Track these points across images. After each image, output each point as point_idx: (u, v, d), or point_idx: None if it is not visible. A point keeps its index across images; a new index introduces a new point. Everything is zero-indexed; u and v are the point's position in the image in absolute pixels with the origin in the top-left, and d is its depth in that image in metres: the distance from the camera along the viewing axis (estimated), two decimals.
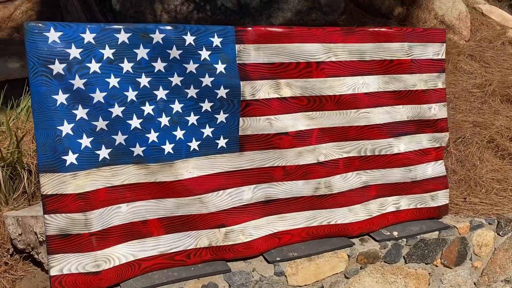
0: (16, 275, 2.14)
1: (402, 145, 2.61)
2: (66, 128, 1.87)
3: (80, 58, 1.85)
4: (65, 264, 1.94)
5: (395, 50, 2.50)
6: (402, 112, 2.60)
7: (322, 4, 5.42)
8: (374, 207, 2.60)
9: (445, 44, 2.67)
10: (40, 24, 1.78)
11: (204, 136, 2.15)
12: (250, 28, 2.18)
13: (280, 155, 2.31)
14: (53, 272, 1.93)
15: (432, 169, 2.72)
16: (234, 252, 2.24)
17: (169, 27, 2.00)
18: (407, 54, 2.53)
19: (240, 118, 2.20)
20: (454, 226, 2.74)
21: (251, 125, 2.22)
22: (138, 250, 2.08)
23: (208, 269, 2.18)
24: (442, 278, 2.78)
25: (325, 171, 2.42)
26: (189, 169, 2.12)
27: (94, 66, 1.88)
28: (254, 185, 2.30)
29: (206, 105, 2.13)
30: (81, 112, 1.89)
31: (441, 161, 2.76)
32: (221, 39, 2.11)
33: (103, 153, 1.96)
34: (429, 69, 2.63)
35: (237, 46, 2.15)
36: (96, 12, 4.39)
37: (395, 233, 2.60)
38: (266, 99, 2.23)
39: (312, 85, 2.33)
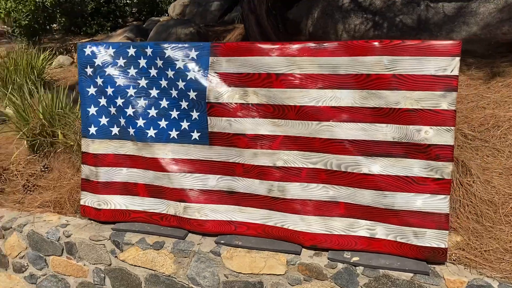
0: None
1: (376, 166, 2.40)
2: (93, 110, 2.88)
3: (101, 65, 2.82)
4: (87, 199, 2.97)
5: (372, 64, 2.35)
6: (385, 132, 2.39)
7: None
8: (339, 225, 2.50)
9: (457, 58, 2.26)
10: (83, 44, 2.86)
11: (182, 128, 2.75)
12: (223, 44, 2.63)
13: (240, 153, 2.64)
14: (81, 202, 3.00)
15: (424, 202, 2.34)
16: (190, 225, 2.74)
17: (157, 44, 2.71)
18: (387, 68, 2.33)
19: (208, 117, 2.67)
20: (442, 276, 2.28)
21: (216, 124, 2.66)
22: (129, 203, 2.89)
23: (169, 232, 2.77)
24: None
25: (280, 175, 2.56)
26: (166, 151, 2.77)
27: (109, 71, 2.81)
28: (219, 176, 2.72)
29: (184, 104, 2.72)
30: (103, 101, 2.86)
31: (443, 196, 2.32)
32: (198, 52, 2.66)
33: (115, 130, 2.87)
34: (426, 87, 2.30)
35: (211, 58, 2.64)
36: (270, 34, 5.29)
37: (356, 258, 2.42)
38: (228, 103, 2.61)
39: (274, 94, 2.53)
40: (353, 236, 2.49)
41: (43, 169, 3.76)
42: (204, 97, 2.65)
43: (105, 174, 2.90)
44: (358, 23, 5.56)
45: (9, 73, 5.85)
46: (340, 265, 2.42)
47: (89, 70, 2.85)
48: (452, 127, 2.29)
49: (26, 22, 8.57)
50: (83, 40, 10.49)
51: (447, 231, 2.33)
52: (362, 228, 2.48)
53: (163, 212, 2.83)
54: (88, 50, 2.84)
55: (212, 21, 9.25)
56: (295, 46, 2.48)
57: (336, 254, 2.47)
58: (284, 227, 2.59)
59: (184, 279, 2.69)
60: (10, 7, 8.45)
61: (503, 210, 2.66)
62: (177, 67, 2.68)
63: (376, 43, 2.35)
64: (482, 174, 2.95)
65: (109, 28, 10.69)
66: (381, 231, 2.44)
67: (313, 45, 2.46)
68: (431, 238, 2.33)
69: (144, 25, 9.39)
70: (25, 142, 3.98)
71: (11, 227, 2.99)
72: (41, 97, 4.00)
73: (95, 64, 2.83)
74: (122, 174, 2.90)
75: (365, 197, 2.44)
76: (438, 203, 2.33)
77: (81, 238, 2.84)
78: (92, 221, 2.97)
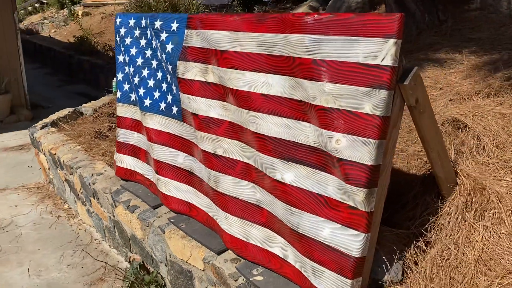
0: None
1: (290, 174, 1.89)
2: (120, 76, 3.17)
3: (124, 34, 3.04)
4: (116, 155, 3.33)
5: (295, 44, 1.82)
6: (308, 133, 1.85)
7: None
8: (257, 235, 2.12)
9: (392, 40, 1.53)
10: (116, 14, 3.13)
11: (167, 101, 2.76)
12: (196, 16, 2.46)
13: (195, 133, 2.48)
14: (114, 157, 3.38)
15: (332, 232, 1.74)
16: (160, 197, 2.77)
17: (152, 17, 2.74)
18: (308, 51, 1.76)
19: (179, 93, 2.59)
20: None
21: (183, 101, 2.56)
22: (135, 165, 3.12)
23: (149, 199, 2.89)
24: None
25: (218, 165, 2.30)
26: (155, 122, 2.84)
27: (128, 40, 3.02)
28: (186, 154, 2.64)
29: (169, 77, 2.71)
30: (127, 68, 3.11)
31: (355, 232, 1.67)
32: (178, 25, 2.57)
33: (133, 96, 3.10)
34: (350, 79, 1.65)
35: (186, 31, 2.52)
36: (409, 2, 4.45)
37: (259, 278, 2.03)
38: (190, 79, 2.46)
39: (220, 73, 2.26)
40: (268, 252, 2.08)
41: None
42: (175, 72, 2.58)
43: (123, 135, 3.19)
44: None
45: None
46: (241, 280, 2.08)
47: (117, 39, 3.12)
48: (373, 140, 1.60)
49: None
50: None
51: (350, 281, 1.69)
52: (278, 245, 2.04)
53: (151, 179, 2.95)
54: (118, 21, 3.10)
55: None
56: (239, 19, 2.13)
57: (246, 266, 2.12)
58: (216, 221, 2.35)
59: (148, 246, 2.79)
60: None
61: (507, 280, 1.74)
62: (161, 39, 2.67)
63: (304, 17, 1.80)
64: None
65: None
66: (291, 254, 1.96)
67: (255, 18, 2.06)
68: (328, 282, 1.75)
69: None
70: None
71: (73, 167, 3.64)
72: None
73: (120, 34, 3.08)
74: (134, 138, 3.13)
75: (279, 209, 1.98)
76: (347, 239, 1.71)
77: (98, 187, 3.25)
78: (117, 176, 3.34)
